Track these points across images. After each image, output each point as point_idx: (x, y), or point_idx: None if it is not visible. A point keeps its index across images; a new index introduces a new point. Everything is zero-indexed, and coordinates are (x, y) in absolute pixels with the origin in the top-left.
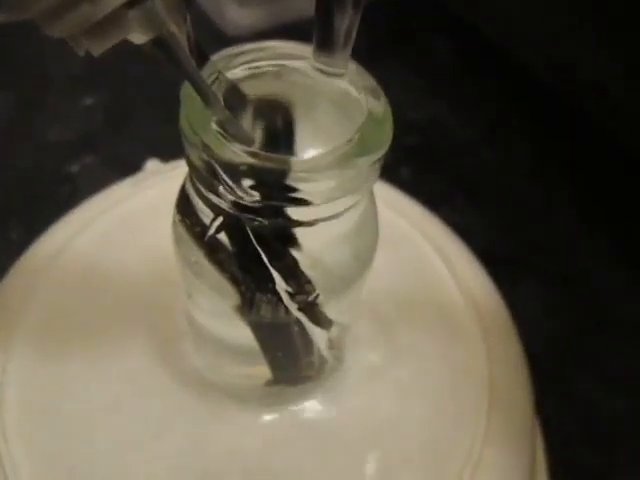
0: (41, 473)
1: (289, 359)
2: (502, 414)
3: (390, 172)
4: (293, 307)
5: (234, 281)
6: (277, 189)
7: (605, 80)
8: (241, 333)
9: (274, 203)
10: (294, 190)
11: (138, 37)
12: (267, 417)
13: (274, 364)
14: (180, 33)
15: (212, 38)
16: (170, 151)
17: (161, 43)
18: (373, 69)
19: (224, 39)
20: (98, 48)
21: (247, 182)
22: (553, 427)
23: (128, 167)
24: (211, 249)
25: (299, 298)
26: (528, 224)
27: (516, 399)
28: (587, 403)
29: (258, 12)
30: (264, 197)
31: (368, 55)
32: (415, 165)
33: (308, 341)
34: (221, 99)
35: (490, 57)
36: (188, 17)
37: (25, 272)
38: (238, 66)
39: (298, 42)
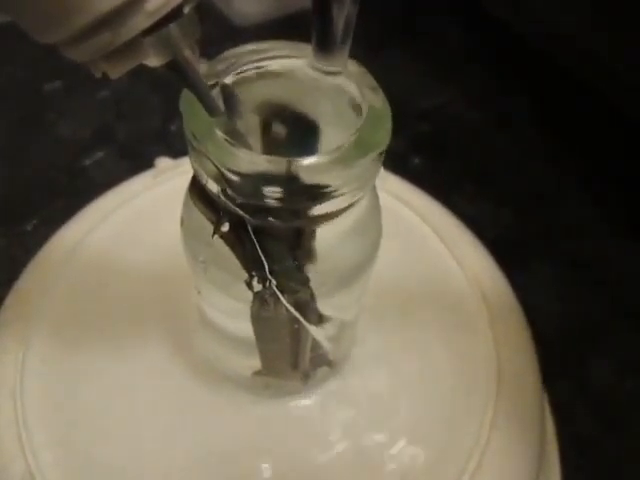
0: (60, 458)
1: (285, 353)
2: (510, 399)
3: (401, 160)
4: (290, 305)
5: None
6: (282, 190)
7: (624, 65)
8: (247, 326)
9: (275, 204)
10: (302, 190)
11: (153, 61)
12: (276, 405)
13: (270, 357)
14: (193, 56)
15: (219, 28)
16: (182, 145)
17: (175, 66)
18: (384, 57)
19: (231, 29)
20: (115, 72)
21: (254, 185)
22: (566, 410)
23: (141, 161)
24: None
25: (295, 296)
26: (540, 210)
27: (524, 384)
28: (600, 386)
29: (265, 2)
30: (268, 198)
31: (379, 42)
32: (426, 153)
33: (306, 337)
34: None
35: (501, 43)
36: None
37: (43, 265)
38: (237, 69)
39: (298, 37)
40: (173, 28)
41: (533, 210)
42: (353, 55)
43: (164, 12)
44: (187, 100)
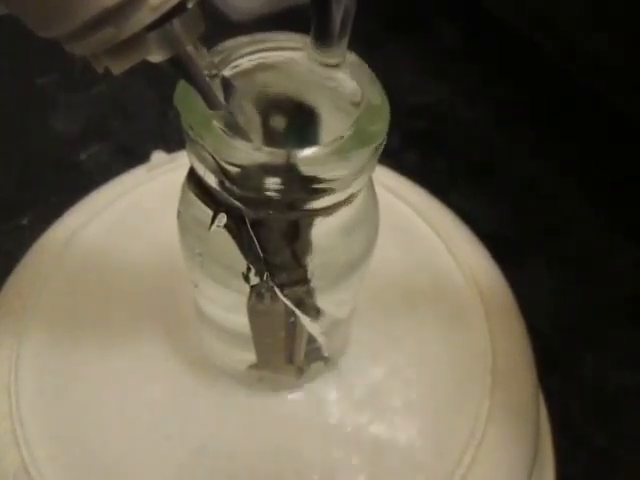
0: (55, 455)
1: (280, 347)
2: (505, 393)
3: (396, 157)
4: (286, 299)
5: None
6: (281, 182)
7: (624, 65)
8: (243, 320)
9: (273, 197)
10: (301, 182)
11: (156, 57)
12: (270, 399)
13: (265, 350)
14: (196, 52)
15: (215, 23)
16: (177, 140)
17: (177, 62)
18: (378, 54)
19: (227, 24)
20: (118, 67)
21: (252, 176)
22: (560, 405)
23: (136, 155)
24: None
25: (292, 290)
26: (535, 207)
27: (519, 378)
28: (594, 381)
29: None
30: (266, 190)
31: (373, 40)
32: (422, 150)
33: (301, 331)
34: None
35: (496, 39)
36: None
37: (37, 259)
38: (235, 60)
39: (295, 32)
40: (176, 23)
41: (529, 206)
42: (352, 52)
43: (168, 7)
44: (182, 93)
